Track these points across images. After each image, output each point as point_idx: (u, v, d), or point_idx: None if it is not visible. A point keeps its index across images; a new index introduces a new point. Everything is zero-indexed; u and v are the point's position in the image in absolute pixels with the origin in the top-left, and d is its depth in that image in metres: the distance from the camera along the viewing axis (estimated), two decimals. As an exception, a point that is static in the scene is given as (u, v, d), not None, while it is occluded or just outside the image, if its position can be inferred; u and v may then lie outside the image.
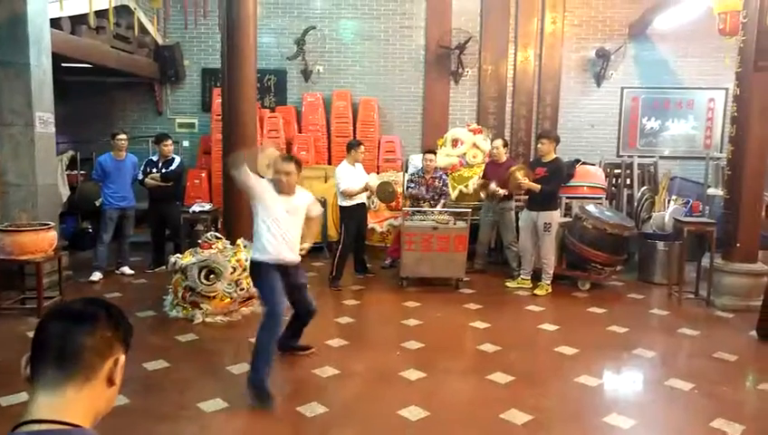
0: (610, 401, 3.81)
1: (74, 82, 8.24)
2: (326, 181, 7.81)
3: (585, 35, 9.01)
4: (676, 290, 6.04)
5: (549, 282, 6.20)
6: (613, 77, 9.03)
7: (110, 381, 1.11)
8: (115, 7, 6.83)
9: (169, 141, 6.86)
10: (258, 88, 6.92)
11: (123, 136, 6.68)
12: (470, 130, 7.95)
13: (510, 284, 6.45)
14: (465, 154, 7.73)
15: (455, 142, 7.84)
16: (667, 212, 6.93)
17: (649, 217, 7.28)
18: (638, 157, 8.57)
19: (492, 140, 7.26)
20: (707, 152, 8.45)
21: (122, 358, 1.13)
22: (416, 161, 8.05)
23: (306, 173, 7.87)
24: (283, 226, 3.77)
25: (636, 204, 7.76)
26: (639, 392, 4.02)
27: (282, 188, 3.77)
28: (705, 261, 5.99)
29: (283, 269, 3.82)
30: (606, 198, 7.54)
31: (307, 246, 4.07)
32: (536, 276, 6.33)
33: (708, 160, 7.85)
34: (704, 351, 4.63)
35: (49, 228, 5.14)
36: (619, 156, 8.96)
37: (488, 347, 4.58)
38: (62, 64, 6.88)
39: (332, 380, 3.95)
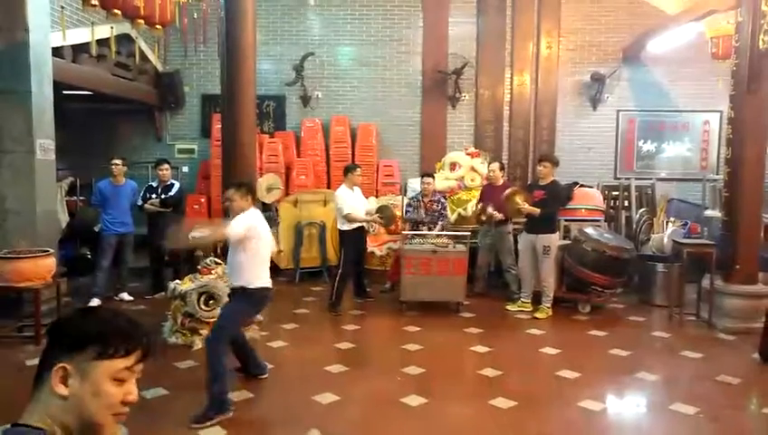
0: (615, 426, 3.77)
1: (75, 109, 8.30)
2: (325, 205, 7.82)
3: (580, 59, 9.13)
4: (676, 312, 6.02)
5: (549, 305, 6.18)
6: (609, 100, 9.13)
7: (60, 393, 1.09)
8: (116, 36, 6.92)
9: (165, 166, 6.88)
10: (257, 114, 6.98)
11: (118, 161, 6.68)
12: (468, 154, 8.00)
13: (510, 307, 6.43)
14: (463, 177, 7.77)
15: (453, 166, 7.88)
16: (666, 234, 6.94)
17: (648, 239, 7.28)
18: (636, 179, 8.62)
19: (489, 164, 7.30)
20: (704, 174, 8.50)
21: (69, 368, 1.10)
22: (414, 185, 8.09)
23: (306, 197, 7.97)
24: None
25: (634, 226, 7.78)
26: (644, 417, 3.98)
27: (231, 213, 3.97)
28: (706, 283, 5.98)
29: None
30: (604, 221, 7.56)
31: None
32: (536, 299, 6.31)
33: (705, 182, 7.90)
34: (707, 374, 4.60)
35: (48, 255, 5.12)
36: (616, 178, 9.01)
37: (489, 371, 4.54)
38: (64, 92, 6.94)
39: (333, 406, 3.90)
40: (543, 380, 4.49)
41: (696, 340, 5.44)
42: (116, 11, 4.91)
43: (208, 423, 3.49)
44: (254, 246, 3.86)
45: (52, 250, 5.29)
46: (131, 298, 6.59)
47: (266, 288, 3.98)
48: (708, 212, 7.61)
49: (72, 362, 1.10)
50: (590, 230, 6.48)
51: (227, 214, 4.14)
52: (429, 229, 6.59)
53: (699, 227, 7.52)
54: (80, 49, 6.72)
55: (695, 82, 9.02)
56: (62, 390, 1.09)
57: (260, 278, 3.92)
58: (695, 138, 9.21)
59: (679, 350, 5.14)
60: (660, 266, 6.70)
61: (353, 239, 6.33)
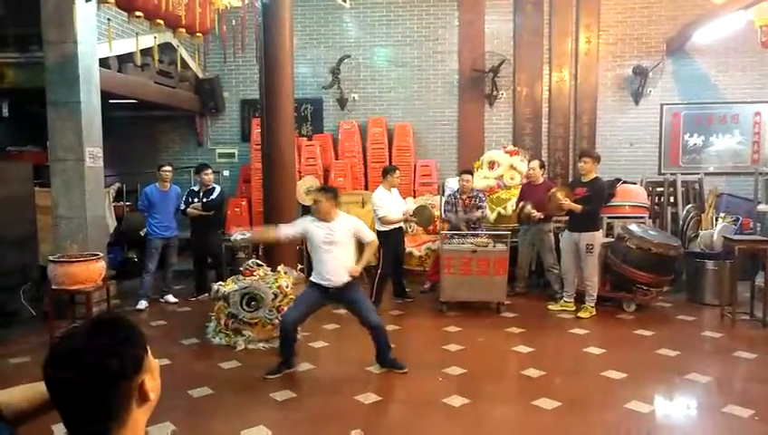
0: (664, 428, 3.65)
1: (120, 117, 8.57)
2: (363, 206, 7.86)
3: (621, 53, 8.91)
4: (729, 311, 5.80)
5: (593, 304, 6.04)
6: (652, 94, 8.87)
7: (144, 400, 1.11)
8: (159, 45, 7.11)
9: (209, 171, 7.01)
10: (295, 117, 7.06)
11: (168, 168, 6.88)
12: (506, 152, 7.90)
13: (552, 307, 6.31)
14: (502, 176, 7.68)
15: (491, 165, 7.80)
16: (716, 230, 6.70)
17: (696, 236, 7.04)
18: (682, 174, 8.34)
19: (528, 162, 7.19)
20: (756, 167, 8.15)
21: (144, 377, 1.11)
22: (452, 184, 8.04)
23: (343, 199, 7.99)
24: (323, 250, 4.33)
25: (681, 222, 7.53)
26: (695, 420, 3.85)
27: (317, 214, 4.43)
28: (760, 280, 5.74)
29: (326, 289, 4.37)
30: (649, 217, 7.35)
31: (355, 268, 4.39)
32: (579, 299, 6.18)
33: (757, 176, 7.58)
34: (762, 375, 4.42)
35: (98, 259, 5.30)
36: (660, 174, 8.75)
37: (532, 372, 4.47)
38: (110, 101, 7.18)
39: (375, 406, 3.91)
40: (588, 380, 4.39)
41: (751, 340, 5.22)
42: (159, 21, 5.05)
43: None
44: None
45: (101, 254, 5.48)
46: (176, 300, 6.75)
47: None
48: (761, 207, 7.30)
49: (145, 371, 1.12)
50: (634, 227, 6.32)
51: (310, 212, 4.73)
52: (468, 227, 6.52)
53: (752, 222, 7.23)
54: (125, 59, 6.94)
55: (743, 73, 8.69)
56: (153, 395, 1.13)
57: None
58: (745, 130, 8.86)
59: (732, 350, 4.94)
60: (710, 264, 6.46)
61: (392, 240, 6.33)
